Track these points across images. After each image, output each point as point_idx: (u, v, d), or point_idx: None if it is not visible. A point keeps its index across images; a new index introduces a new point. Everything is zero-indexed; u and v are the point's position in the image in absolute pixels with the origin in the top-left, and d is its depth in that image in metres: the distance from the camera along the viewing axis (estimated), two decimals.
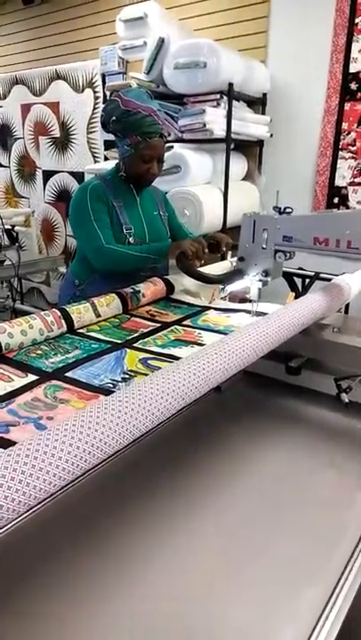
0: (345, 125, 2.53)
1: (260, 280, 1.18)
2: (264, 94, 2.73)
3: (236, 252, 1.59)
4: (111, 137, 2.74)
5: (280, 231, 1.11)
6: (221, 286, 1.33)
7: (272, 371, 1.23)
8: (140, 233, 1.54)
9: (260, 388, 1.25)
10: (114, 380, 0.86)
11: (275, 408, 1.16)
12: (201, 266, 1.44)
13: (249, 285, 1.22)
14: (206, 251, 1.41)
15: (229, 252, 1.58)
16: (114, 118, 1.44)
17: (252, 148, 2.82)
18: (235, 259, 1.64)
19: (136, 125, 1.42)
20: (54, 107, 3.68)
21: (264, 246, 1.14)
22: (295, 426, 1.09)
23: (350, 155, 2.55)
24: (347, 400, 1.09)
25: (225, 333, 1.09)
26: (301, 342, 1.16)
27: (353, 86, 2.47)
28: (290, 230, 1.09)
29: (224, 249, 1.51)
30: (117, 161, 1.57)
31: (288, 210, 1.13)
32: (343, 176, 2.59)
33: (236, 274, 1.22)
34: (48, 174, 3.90)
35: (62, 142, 3.71)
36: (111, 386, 0.84)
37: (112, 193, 1.50)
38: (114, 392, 0.80)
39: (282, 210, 1.12)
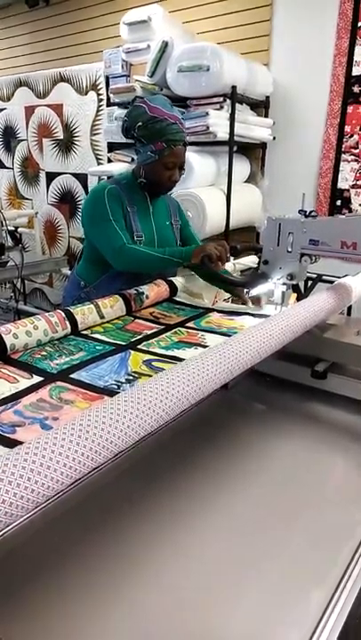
0: (348, 128, 2.54)
1: (285, 284, 1.17)
2: (267, 97, 2.74)
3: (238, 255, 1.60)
4: (115, 139, 2.76)
5: (306, 235, 1.09)
6: (246, 290, 1.31)
7: (294, 375, 1.20)
8: (150, 241, 1.53)
9: (276, 390, 1.23)
10: (118, 382, 0.87)
11: (295, 410, 1.14)
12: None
13: (273, 289, 1.20)
14: (229, 255, 1.39)
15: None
16: (140, 124, 1.42)
17: (255, 151, 2.84)
18: (236, 260, 1.65)
19: (163, 132, 1.41)
20: (58, 109, 3.70)
21: (289, 249, 1.12)
22: (305, 427, 1.08)
23: (353, 157, 2.56)
24: None
25: (228, 335, 1.10)
26: (324, 345, 1.15)
27: (356, 89, 2.48)
28: (316, 234, 1.08)
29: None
30: (134, 167, 1.55)
31: (313, 213, 1.11)
32: (346, 178, 2.60)
33: (260, 277, 1.20)
34: (51, 176, 3.91)
35: (66, 144, 3.72)
36: (115, 387, 0.85)
37: (127, 198, 1.49)
38: (118, 393, 0.81)
39: (307, 213, 1.11)
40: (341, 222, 1.10)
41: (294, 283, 1.17)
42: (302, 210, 1.12)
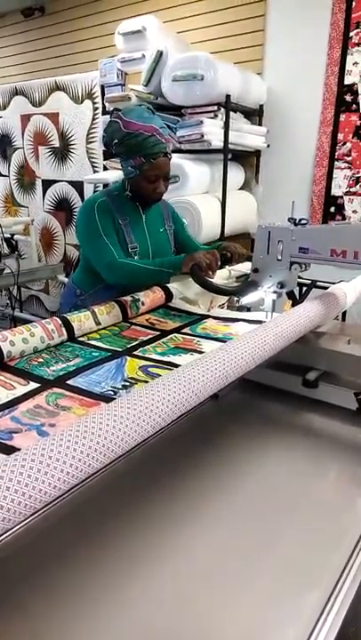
0: (340, 136, 2.57)
1: (275, 292, 1.16)
2: (261, 106, 2.77)
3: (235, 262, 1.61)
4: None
5: (296, 242, 1.08)
6: (236, 298, 1.31)
7: (285, 383, 1.19)
8: (145, 251, 1.53)
9: (267, 399, 1.22)
10: (115, 388, 0.88)
11: (283, 418, 1.14)
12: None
13: (263, 297, 1.19)
14: (219, 263, 1.39)
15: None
16: (116, 141, 1.42)
17: (249, 158, 2.86)
18: (234, 266, 1.66)
19: (139, 147, 1.39)
20: (54, 117, 3.73)
21: (279, 258, 1.12)
22: (299, 434, 1.08)
23: (346, 165, 2.59)
24: None
25: (224, 341, 1.11)
26: (316, 354, 1.14)
27: (348, 98, 2.52)
28: (306, 242, 1.07)
29: (234, 262, 1.49)
30: (122, 178, 1.55)
31: (303, 221, 1.11)
32: (339, 185, 2.63)
33: (250, 285, 1.19)
34: (47, 183, 3.93)
35: (62, 152, 3.75)
36: (112, 393, 0.86)
37: (117, 210, 1.48)
38: (115, 399, 0.81)
39: (297, 221, 1.10)
40: (331, 230, 1.09)
41: (284, 291, 1.16)
42: (292, 218, 1.11)
